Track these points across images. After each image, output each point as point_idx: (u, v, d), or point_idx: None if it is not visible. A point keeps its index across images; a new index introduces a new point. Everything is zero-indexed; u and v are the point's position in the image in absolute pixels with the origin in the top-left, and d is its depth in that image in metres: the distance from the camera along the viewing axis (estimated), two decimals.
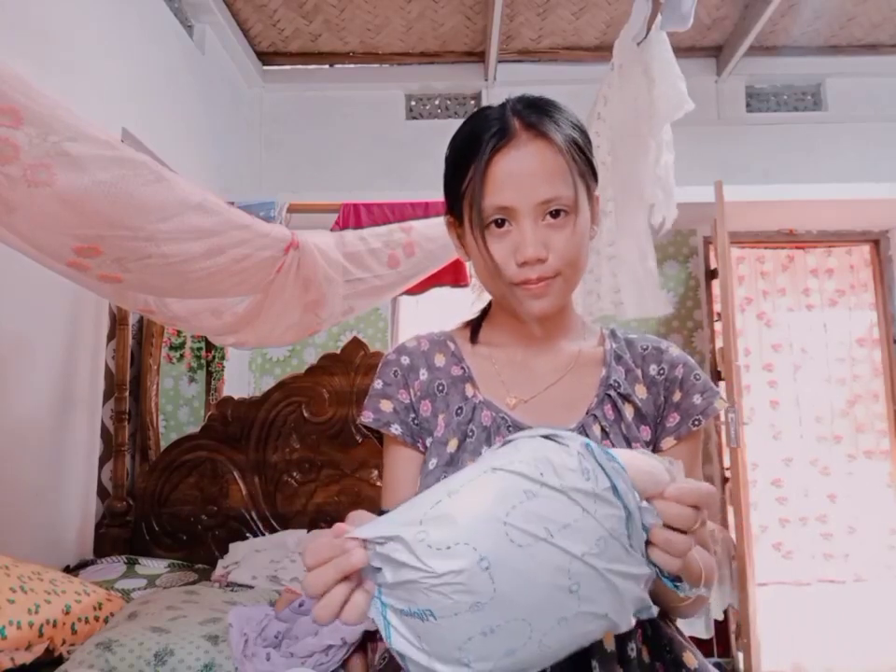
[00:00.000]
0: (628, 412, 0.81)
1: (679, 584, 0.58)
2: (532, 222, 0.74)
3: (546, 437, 0.57)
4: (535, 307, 0.77)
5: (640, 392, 0.82)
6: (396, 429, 0.81)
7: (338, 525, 0.53)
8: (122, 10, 2.49)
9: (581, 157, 0.77)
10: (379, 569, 0.51)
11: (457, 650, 0.50)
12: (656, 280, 2.15)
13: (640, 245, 2.14)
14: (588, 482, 0.53)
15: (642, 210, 2.11)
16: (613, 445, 0.78)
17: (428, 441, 0.81)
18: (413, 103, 4.05)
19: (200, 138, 3.17)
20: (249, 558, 2.29)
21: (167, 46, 2.90)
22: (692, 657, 0.75)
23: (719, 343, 3.95)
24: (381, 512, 0.81)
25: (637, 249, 2.15)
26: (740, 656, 2.70)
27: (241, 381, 3.82)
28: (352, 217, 2.30)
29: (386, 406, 0.82)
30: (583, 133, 0.79)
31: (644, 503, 0.55)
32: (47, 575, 1.70)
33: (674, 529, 0.55)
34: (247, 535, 2.54)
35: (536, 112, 0.76)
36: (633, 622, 0.55)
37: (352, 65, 3.96)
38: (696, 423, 0.81)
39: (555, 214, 0.75)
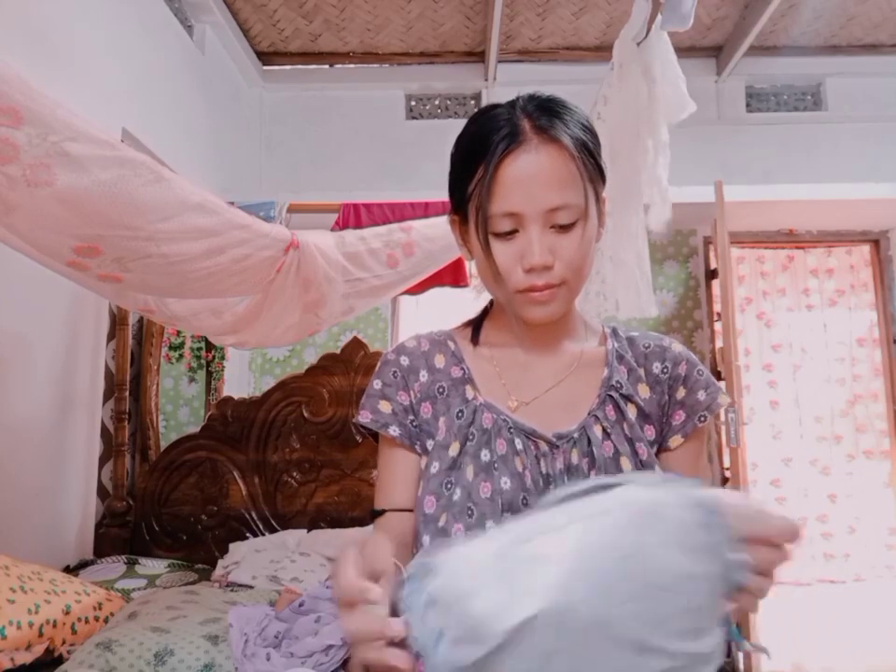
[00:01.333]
0: (631, 412, 0.80)
1: (744, 642, 0.57)
2: (540, 228, 0.73)
3: (661, 483, 0.55)
4: (537, 314, 0.77)
5: (643, 391, 0.82)
6: (394, 431, 0.80)
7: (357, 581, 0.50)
8: (122, 10, 2.49)
9: (591, 161, 0.75)
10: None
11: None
12: (650, 281, 2.16)
13: (636, 245, 2.15)
14: (688, 537, 0.51)
15: (639, 211, 2.12)
16: (615, 446, 0.78)
17: (429, 443, 0.80)
18: (413, 103, 4.05)
19: (200, 138, 3.17)
20: (249, 558, 2.29)
21: (167, 46, 2.90)
22: None
23: (719, 343, 3.95)
24: (372, 513, 0.81)
25: (634, 250, 2.15)
26: (740, 656, 2.69)
27: (241, 381, 3.82)
28: (352, 216, 2.29)
29: (385, 407, 0.81)
30: (593, 134, 0.77)
31: (738, 556, 0.53)
32: (47, 575, 1.70)
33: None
34: (247, 535, 2.54)
35: (547, 114, 0.74)
36: None
37: (352, 65, 3.96)
38: (702, 419, 0.81)
39: (563, 220, 0.73)
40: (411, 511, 0.79)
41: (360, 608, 0.50)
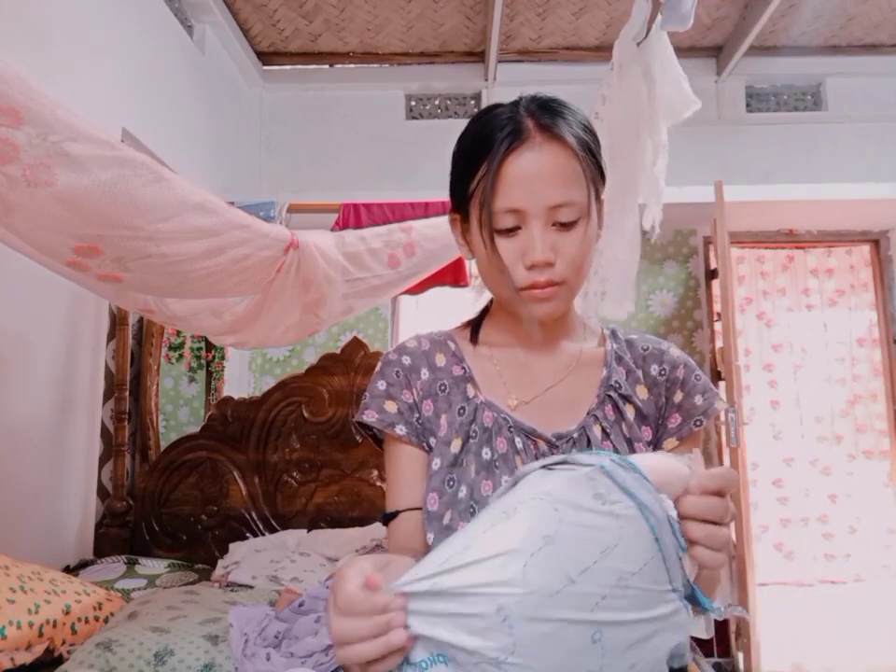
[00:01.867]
0: (629, 412, 0.81)
1: (715, 608, 0.56)
2: (542, 225, 0.73)
3: (562, 462, 0.54)
4: (538, 311, 0.77)
5: (641, 393, 0.82)
6: (400, 430, 0.80)
7: (370, 578, 0.50)
8: (122, 10, 2.49)
9: (593, 160, 0.76)
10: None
11: None
12: (634, 281, 2.17)
13: (631, 245, 2.15)
14: (604, 506, 0.50)
15: (634, 211, 2.11)
16: (614, 446, 0.78)
17: (432, 440, 0.80)
18: (413, 103, 4.05)
19: (200, 138, 3.17)
20: (249, 558, 2.29)
21: (167, 46, 2.90)
22: (695, 668, 0.74)
23: (719, 343, 3.95)
24: (385, 516, 0.80)
25: (628, 249, 2.15)
26: (740, 656, 2.70)
27: (241, 381, 3.81)
28: (352, 216, 2.29)
29: (391, 407, 0.81)
30: (594, 135, 0.78)
31: (673, 512, 0.52)
32: (47, 575, 1.70)
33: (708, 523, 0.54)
34: (247, 535, 2.54)
35: (550, 114, 0.74)
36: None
37: (352, 65, 3.96)
38: (698, 423, 0.81)
39: (566, 218, 0.74)
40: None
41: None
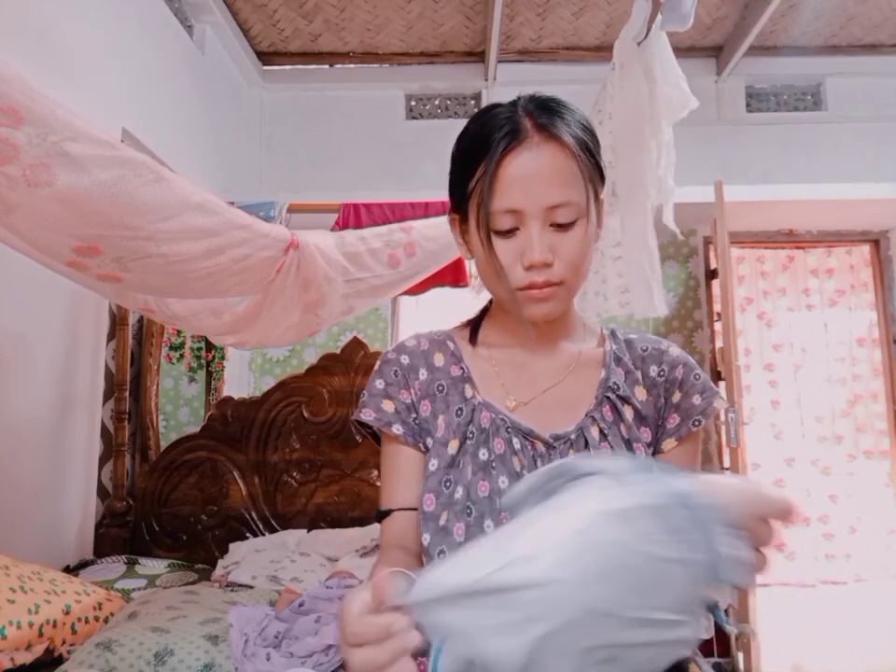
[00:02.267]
0: (628, 413, 0.80)
1: (730, 626, 0.56)
2: (540, 226, 0.73)
3: (612, 476, 0.53)
4: (536, 312, 0.76)
5: (640, 394, 0.82)
6: (397, 429, 0.80)
7: (376, 589, 0.49)
8: (122, 10, 2.49)
9: (591, 160, 0.76)
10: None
11: None
12: (660, 280, 2.16)
13: (647, 244, 2.14)
14: (650, 547, 0.49)
15: (646, 210, 2.11)
16: (612, 447, 0.78)
17: (429, 441, 0.80)
18: (413, 103, 4.05)
19: (200, 138, 3.17)
20: (249, 558, 2.29)
21: (167, 46, 2.90)
22: (695, 668, 0.74)
23: (719, 343, 3.95)
24: (379, 513, 0.81)
25: (644, 249, 2.14)
26: (740, 656, 2.69)
27: (241, 381, 3.82)
28: (352, 216, 2.30)
29: (388, 406, 0.81)
30: (593, 134, 0.78)
31: (729, 549, 0.50)
32: (47, 575, 1.70)
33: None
34: (247, 535, 2.54)
35: (548, 113, 0.74)
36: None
37: (352, 65, 3.96)
38: (696, 423, 0.80)
39: (564, 218, 0.73)
40: (417, 509, 0.78)
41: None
